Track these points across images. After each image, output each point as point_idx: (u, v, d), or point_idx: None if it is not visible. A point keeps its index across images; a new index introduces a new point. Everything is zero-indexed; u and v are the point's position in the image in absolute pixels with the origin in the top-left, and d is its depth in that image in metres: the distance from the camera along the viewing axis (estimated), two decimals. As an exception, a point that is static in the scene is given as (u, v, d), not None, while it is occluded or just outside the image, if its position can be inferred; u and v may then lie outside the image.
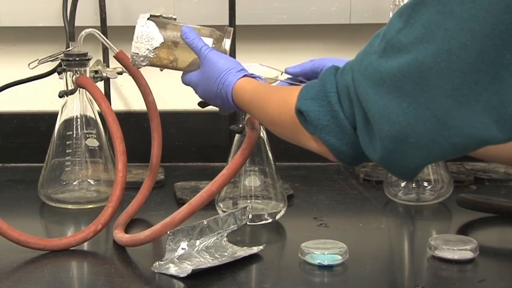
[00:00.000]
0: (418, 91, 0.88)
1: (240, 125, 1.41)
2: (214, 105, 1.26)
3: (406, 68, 0.89)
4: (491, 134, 0.89)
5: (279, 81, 1.30)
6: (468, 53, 0.86)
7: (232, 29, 1.30)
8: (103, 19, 1.64)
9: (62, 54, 1.48)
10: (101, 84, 1.57)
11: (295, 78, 1.29)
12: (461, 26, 0.86)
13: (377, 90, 0.92)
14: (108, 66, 1.61)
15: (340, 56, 1.77)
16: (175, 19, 1.31)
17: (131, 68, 1.45)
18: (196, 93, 1.28)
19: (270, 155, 1.44)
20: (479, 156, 1.17)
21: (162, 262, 1.20)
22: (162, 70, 1.31)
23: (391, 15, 1.47)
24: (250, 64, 1.32)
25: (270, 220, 1.43)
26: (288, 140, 1.11)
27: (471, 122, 0.88)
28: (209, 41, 1.27)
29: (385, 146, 0.92)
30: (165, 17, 1.31)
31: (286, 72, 1.29)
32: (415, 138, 0.90)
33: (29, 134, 1.76)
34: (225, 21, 1.57)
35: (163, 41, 1.27)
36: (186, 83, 1.29)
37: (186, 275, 1.17)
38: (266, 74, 1.31)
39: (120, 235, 1.32)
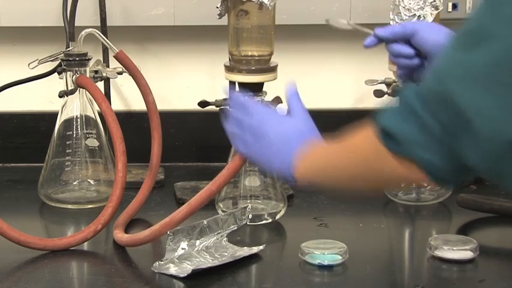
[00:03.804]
0: None
1: (240, 125, 1.41)
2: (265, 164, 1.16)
3: (497, 56, 0.81)
4: None
5: (369, 37, 1.29)
6: None
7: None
8: (103, 19, 1.64)
9: (62, 54, 1.48)
10: (101, 84, 1.57)
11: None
12: None
13: (469, 87, 0.83)
14: (108, 66, 1.61)
15: (341, 56, 1.78)
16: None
17: (131, 68, 1.45)
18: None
19: (270, 155, 1.44)
20: None
21: (162, 262, 1.20)
22: None
23: (391, 15, 1.47)
24: (339, 20, 1.33)
25: (270, 220, 1.43)
26: (368, 187, 1.03)
27: None
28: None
29: (489, 150, 0.83)
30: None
31: (375, 35, 1.27)
32: None
33: (29, 134, 1.76)
34: (225, 21, 1.56)
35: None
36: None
37: (186, 275, 1.17)
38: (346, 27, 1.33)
39: (119, 235, 1.32)
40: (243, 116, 1.17)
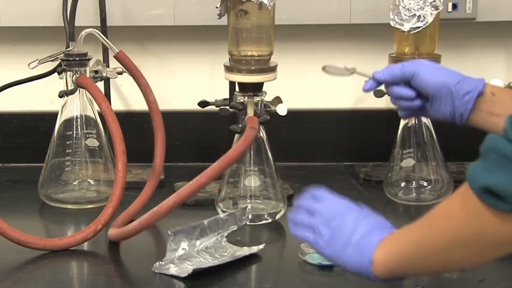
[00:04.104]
0: None
1: (240, 125, 1.41)
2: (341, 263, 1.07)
3: None
4: None
5: (367, 80, 1.28)
6: None
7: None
8: (103, 19, 1.64)
9: (62, 54, 1.48)
10: (101, 84, 1.57)
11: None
12: None
13: None
14: (108, 66, 1.61)
15: (340, 56, 1.78)
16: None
17: (131, 68, 1.45)
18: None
19: (270, 155, 1.44)
20: None
21: (163, 262, 1.20)
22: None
23: (391, 15, 1.47)
24: (336, 65, 1.32)
25: (270, 220, 1.43)
26: (467, 263, 0.96)
27: None
28: None
29: None
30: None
31: (374, 78, 1.26)
32: None
33: (29, 134, 1.76)
34: (225, 21, 1.56)
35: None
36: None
37: (186, 275, 1.17)
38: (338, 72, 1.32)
39: (109, 230, 1.32)
40: (318, 206, 1.09)
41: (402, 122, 1.55)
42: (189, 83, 1.79)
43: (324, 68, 1.34)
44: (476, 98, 1.20)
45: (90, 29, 1.45)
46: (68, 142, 1.52)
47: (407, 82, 1.23)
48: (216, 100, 1.46)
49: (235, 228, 1.28)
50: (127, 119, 1.73)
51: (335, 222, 1.06)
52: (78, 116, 1.52)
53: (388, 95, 1.29)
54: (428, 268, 0.99)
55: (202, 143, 1.78)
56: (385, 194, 1.55)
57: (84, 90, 1.49)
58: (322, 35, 1.78)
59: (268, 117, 1.41)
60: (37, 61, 1.47)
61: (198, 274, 1.17)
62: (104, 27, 1.64)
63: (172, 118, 1.75)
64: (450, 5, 1.67)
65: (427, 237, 0.96)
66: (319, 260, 1.23)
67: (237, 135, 1.43)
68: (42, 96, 1.76)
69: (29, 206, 1.53)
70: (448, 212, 0.93)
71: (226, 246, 1.28)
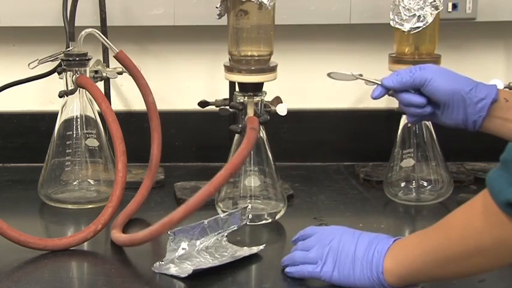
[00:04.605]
0: None
1: (240, 125, 1.41)
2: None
3: None
4: None
5: (376, 87, 1.27)
6: None
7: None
8: (103, 19, 1.64)
9: (62, 54, 1.48)
10: (101, 84, 1.57)
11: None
12: None
13: None
14: (108, 66, 1.61)
15: (341, 56, 1.78)
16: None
17: (131, 68, 1.45)
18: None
19: (270, 155, 1.44)
20: None
21: (163, 262, 1.20)
22: None
23: (391, 15, 1.47)
24: (343, 72, 1.32)
25: (270, 220, 1.43)
26: (484, 269, 0.98)
27: None
28: None
29: None
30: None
31: (382, 85, 1.25)
32: None
33: (29, 134, 1.76)
34: (225, 21, 1.57)
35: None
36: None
37: (186, 275, 1.17)
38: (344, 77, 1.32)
39: (117, 235, 1.31)
40: (312, 239, 1.12)
41: (402, 122, 1.55)
42: (189, 83, 1.79)
43: (329, 74, 1.33)
44: (490, 104, 1.19)
45: (90, 29, 1.45)
46: (68, 142, 1.52)
47: (417, 89, 1.23)
48: (216, 100, 1.46)
49: (236, 228, 1.28)
50: (127, 119, 1.74)
51: (334, 243, 1.07)
52: (78, 116, 1.52)
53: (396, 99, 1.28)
54: (444, 275, 0.99)
55: (202, 143, 1.78)
56: (385, 194, 1.55)
57: (84, 90, 1.49)
58: (322, 35, 1.78)
59: (268, 117, 1.41)
60: (37, 61, 1.47)
61: (198, 274, 1.17)
62: (104, 27, 1.64)
63: (172, 118, 1.75)
64: (450, 5, 1.67)
65: (445, 246, 0.96)
66: (319, 260, 1.23)
67: (237, 136, 1.43)
68: (42, 96, 1.76)
69: (29, 206, 1.53)
70: (467, 221, 0.93)
71: (227, 246, 1.28)
